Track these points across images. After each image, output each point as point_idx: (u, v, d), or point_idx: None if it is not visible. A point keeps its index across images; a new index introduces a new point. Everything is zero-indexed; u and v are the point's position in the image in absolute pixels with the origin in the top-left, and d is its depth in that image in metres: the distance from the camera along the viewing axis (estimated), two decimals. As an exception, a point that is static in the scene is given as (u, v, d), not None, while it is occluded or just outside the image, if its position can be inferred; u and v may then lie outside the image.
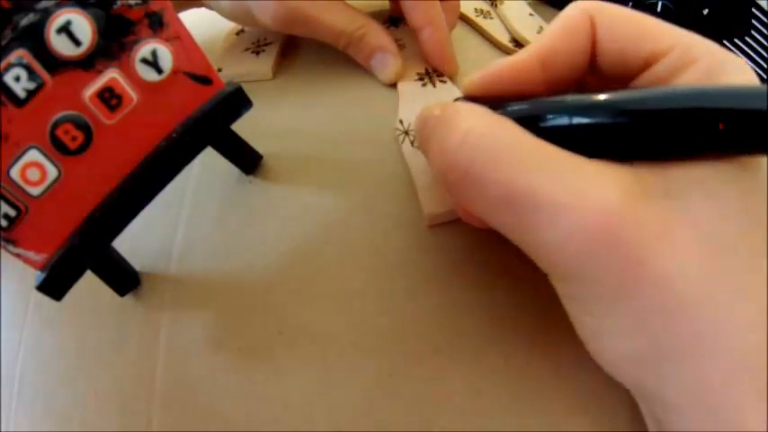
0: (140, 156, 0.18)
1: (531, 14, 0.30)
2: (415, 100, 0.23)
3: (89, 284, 0.18)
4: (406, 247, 0.20)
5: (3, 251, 0.16)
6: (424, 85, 0.24)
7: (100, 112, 0.16)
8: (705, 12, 0.35)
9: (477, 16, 0.28)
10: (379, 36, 0.24)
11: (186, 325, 0.20)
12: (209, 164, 0.22)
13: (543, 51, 0.16)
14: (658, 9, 0.35)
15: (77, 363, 0.21)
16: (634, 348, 0.13)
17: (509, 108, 0.15)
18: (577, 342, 0.15)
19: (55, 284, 0.17)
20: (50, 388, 0.21)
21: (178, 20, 0.17)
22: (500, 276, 0.19)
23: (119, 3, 0.16)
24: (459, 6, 0.27)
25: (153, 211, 0.18)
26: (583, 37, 0.16)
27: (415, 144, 0.21)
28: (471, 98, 0.17)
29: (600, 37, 0.16)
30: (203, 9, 0.28)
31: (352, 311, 0.19)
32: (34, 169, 0.16)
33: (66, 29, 0.15)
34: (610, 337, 0.14)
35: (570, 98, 0.15)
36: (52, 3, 0.15)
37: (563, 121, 0.14)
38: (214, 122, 0.19)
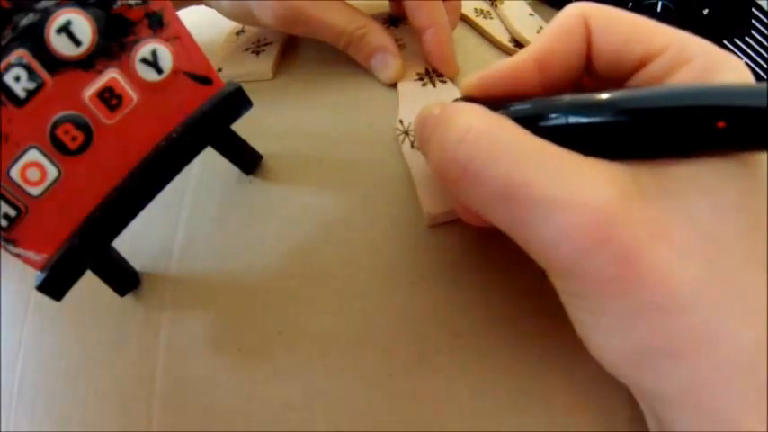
0: (140, 156, 0.18)
1: (531, 14, 0.30)
2: (415, 100, 0.23)
3: (89, 284, 0.18)
4: (406, 247, 0.20)
5: (3, 251, 0.16)
6: (424, 85, 0.24)
7: (100, 112, 0.16)
8: (705, 12, 0.35)
9: (477, 16, 0.28)
10: (379, 36, 0.24)
11: (186, 325, 0.20)
12: (209, 164, 0.22)
13: (539, 53, 0.17)
14: (658, 9, 0.35)
15: (77, 363, 0.21)
16: (631, 346, 0.13)
17: (508, 108, 0.16)
18: (576, 341, 0.15)
19: (55, 284, 0.17)
20: (50, 388, 0.21)
21: (178, 20, 0.17)
22: (499, 276, 0.19)
23: (119, 3, 0.16)
24: (460, 6, 0.27)
25: (153, 211, 0.18)
26: (578, 39, 0.16)
27: (415, 144, 0.21)
28: (470, 99, 0.17)
29: (595, 38, 0.16)
30: (203, 8, 0.28)
31: (352, 311, 0.19)
32: (34, 169, 0.16)
33: (66, 29, 0.15)
34: (607, 334, 0.14)
35: (568, 98, 0.15)
36: (52, 3, 0.15)
37: (561, 120, 0.14)
38: (214, 122, 0.19)
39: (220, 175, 0.22)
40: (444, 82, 0.24)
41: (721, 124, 0.13)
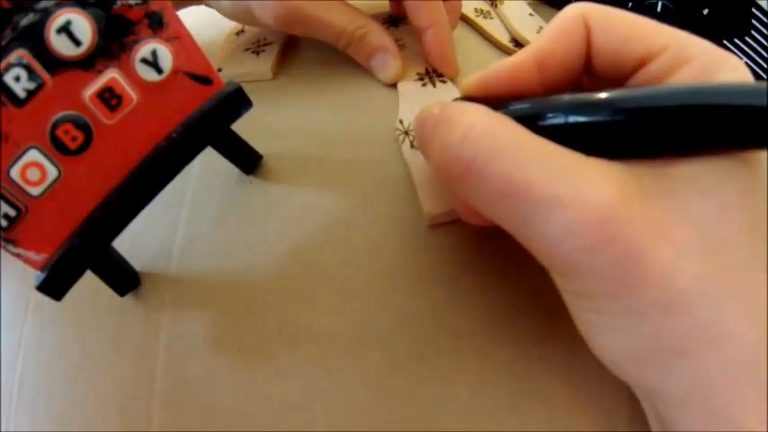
0: (140, 156, 0.18)
1: (531, 14, 0.30)
2: (415, 100, 0.23)
3: (89, 284, 0.18)
4: (406, 247, 0.20)
5: (3, 251, 0.16)
6: (424, 85, 0.24)
7: (100, 112, 0.16)
8: (705, 12, 0.35)
9: (478, 16, 0.28)
10: (379, 36, 0.24)
11: (186, 325, 0.20)
12: (209, 164, 0.22)
13: (539, 53, 0.17)
14: (658, 9, 0.35)
15: (77, 363, 0.21)
16: (634, 345, 0.13)
17: (509, 107, 0.16)
18: (576, 341, 0.15)
19: (55, 284, 0.17)
20: (50, 388, 0.21)
21: (178, 20, 0.17)
22: (499, 276, 0.19)
23: (119, 3, 0.16)
24: (461, 6, 0.27)
25: (153, 211, 0.18)
26: (577, 39, 0.16)
27: (415, 144, 0.21)
28: (470, 99, 0.17)
29: (594, 38, 0.16)
30: (203, 8, 0.28)
31: (352, 311, 0.19)
32: (34, 169, 0.16)
33: (66, 29, 0.15)
34: (610, 333, 0.14)
35: (568, 97, 0.15)
36: (52, 3, 0.15)
37: (560, 119, 0.14)
38: (214, 122, 0.19)
39: (220, 175, 0.22)
40: (444, 82, 0.24)
41: (720, 124, 0.13)
